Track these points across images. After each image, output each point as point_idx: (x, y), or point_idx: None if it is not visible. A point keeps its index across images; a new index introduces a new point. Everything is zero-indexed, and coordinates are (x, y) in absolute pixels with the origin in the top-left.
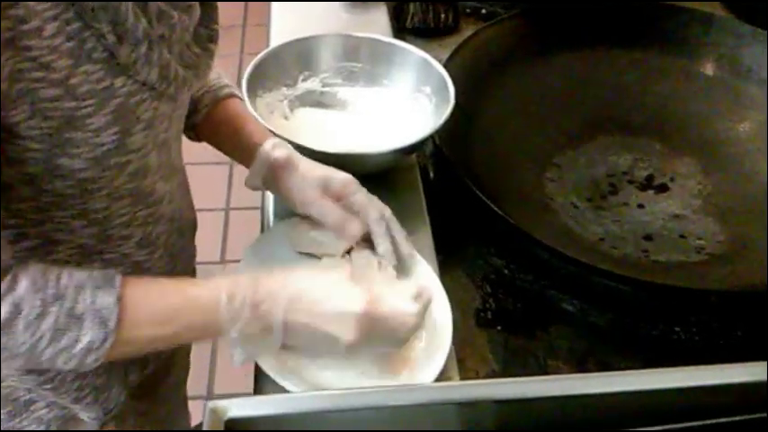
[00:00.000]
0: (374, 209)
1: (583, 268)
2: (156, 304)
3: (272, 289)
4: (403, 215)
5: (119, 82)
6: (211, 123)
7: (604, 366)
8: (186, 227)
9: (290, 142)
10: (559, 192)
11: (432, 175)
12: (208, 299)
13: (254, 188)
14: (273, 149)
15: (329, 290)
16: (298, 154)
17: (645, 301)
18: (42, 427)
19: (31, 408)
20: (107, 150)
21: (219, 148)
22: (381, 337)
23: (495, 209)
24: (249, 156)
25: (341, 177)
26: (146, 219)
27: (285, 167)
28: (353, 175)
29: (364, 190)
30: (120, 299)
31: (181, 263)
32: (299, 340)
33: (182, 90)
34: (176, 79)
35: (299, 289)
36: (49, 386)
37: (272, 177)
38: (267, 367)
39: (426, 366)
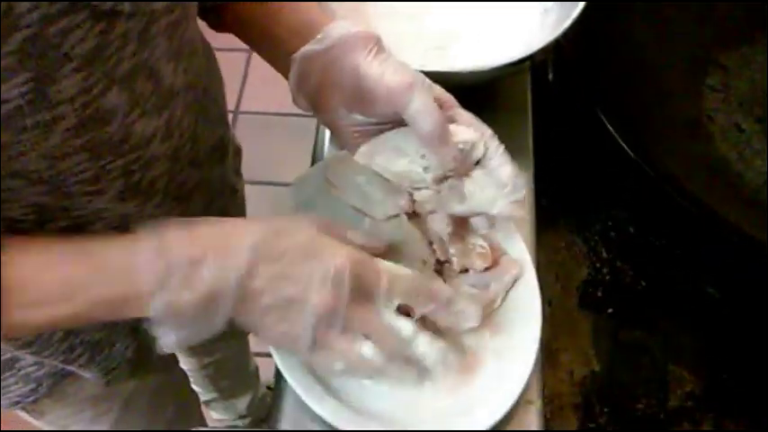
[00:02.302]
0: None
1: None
2: (47, 278)
3: (217, 243)
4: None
5: (22, 6)
6: (245, 7)
7: (740, 382)
8: (205, 155)
9: None
10: (721, 106)
11: (550, 76)
12: (121, 259)
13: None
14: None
15: (303, 244)
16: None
17: None
18: (32, 385)
19: (16, 366)
20: (16, 107)
21: (252, 45)
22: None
23: (619, 138)
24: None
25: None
26: (125, 168)
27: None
28: None
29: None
30: None
31: (195, 203)
32: (253, 315)
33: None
34: None
35: (255, 242)
36: (28, 350)
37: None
38: (287, 374)
39: (495, 391)
